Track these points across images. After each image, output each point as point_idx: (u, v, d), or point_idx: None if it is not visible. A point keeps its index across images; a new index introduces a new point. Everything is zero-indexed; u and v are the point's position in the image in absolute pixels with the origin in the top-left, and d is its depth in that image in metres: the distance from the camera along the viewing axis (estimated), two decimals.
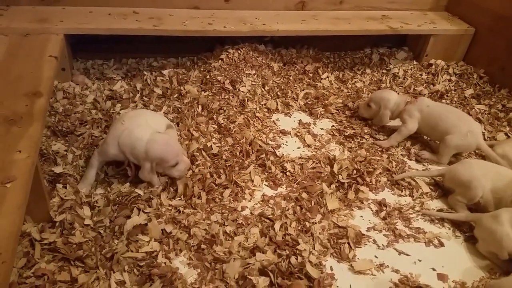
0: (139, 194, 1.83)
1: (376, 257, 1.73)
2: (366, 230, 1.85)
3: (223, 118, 2.41)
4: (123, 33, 2.52)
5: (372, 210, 1.96)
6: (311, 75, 2.99)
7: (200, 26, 2.64)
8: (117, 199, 1.82)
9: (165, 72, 2.76)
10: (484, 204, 1.92)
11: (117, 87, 2.60)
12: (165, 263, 1.59)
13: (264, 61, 2.91)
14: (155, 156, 1.80)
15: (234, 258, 1.62)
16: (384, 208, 1.96)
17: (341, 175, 2.09)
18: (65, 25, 2.41)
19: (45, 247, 1.56)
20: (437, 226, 1.91)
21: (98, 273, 1.50)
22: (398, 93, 2.62)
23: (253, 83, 2.73)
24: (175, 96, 2.57)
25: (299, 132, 2.45)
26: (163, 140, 1.84)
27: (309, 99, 2.75)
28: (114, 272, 1.52)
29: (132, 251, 1.60)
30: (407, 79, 3.03)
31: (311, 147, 2.35)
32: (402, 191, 2.09)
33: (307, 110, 2.67)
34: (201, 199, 1.88)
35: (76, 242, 1.57)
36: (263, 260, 1.61)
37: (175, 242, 1.68)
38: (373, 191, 2.07)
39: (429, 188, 2.12)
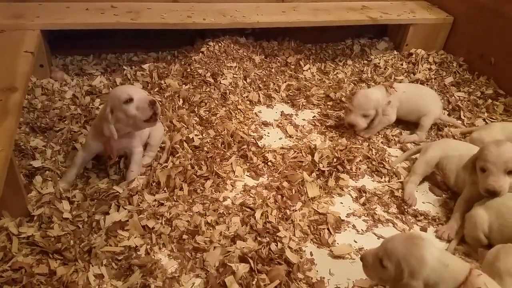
0: (118, 192, 1.80)
1: (355, 241, 1.75)
2: (346, 216, 1.87)
3: (205, 110, 2.41)
4: (100, 28, 2.50)
5: (352, 197, 1.98)
6: (293, 67, 3.01)
7: (179, 19, 2.63)
8: (95, 194, 1.80)
9: (145, 66, 2.75)
10: (448, 175, 2.00)
11: (97, 82, 2.58)
12: (145, 254, 1.59)
13: (245, 54, 2.91)
14: (110, 98, 1.75)
15: (214, 247, 1.62)
16: (364, 195, 1.98)
17: (321, 163, 2.10)
18: (42, 20, 2.39)
19: (23, 241, 1.55)
20: (419, 211, 1.93)
21: (77, 266, 1.50)
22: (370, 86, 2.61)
23: (235, 75, 2.73)
24: (155, 90, 2.56)
25: (281, 123, 2.46)
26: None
27: (291, 91, 2.76)
28: (92, 266, 1.52)
29: (110, 245, 1.59)
30: (388, 69, 3.06)
31: (292, 137, 2.36)
32: (381, 178, 2.11)
33: (289, 101, 2.68)
34: (183, 191, 1.88)
35: (54, 235, 1.56)
36: (243, 247, 1.62)
37: (158, 236, 1.67)
38: (353, 178, 2.09)
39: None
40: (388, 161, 2.20)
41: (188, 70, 2.71)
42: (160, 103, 2.43)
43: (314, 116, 2.56)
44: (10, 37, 2.22)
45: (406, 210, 1.91)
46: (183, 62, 2.80)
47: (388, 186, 2.05)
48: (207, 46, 2.83)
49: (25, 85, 1.84)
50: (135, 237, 1.63)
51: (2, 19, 2.33)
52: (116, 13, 2.59)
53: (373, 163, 2.17)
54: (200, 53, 2.80)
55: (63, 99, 2.40)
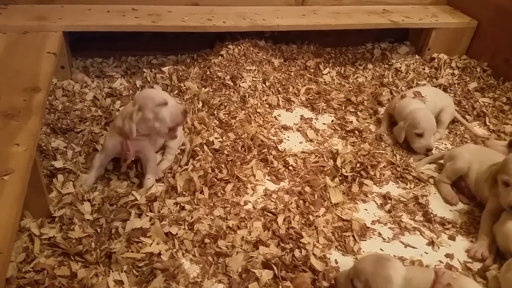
0: (136, 198, 1.76)
1: (381, 250, 1.69)
2: (371, 223, 1.82)
3: (224, 113, 2.38)
4: (121, 30, 2.51)
5: (377, 203, 1.93)
6: (312, 70, 2.97)
7: (199, 22, 2.62)
8: (114, 199, 1.77)
9: (165, 69, 2.75)
10: (469, 184, 1.98)
11: (117, 84, 2.58)
12: (169, 259, 1.55)
13: (264, 57, 2.89)
14: (140, 97, 1.74)
15: (237, 252, 1.59)
16: (389, 201, 1.93)
17: (344, 168, 2.06)
18: (64, 22, 2.39)
19: (45, 242, 1.53)
20: (447, 219, 1.88)
21: (97, 269, 1.47)
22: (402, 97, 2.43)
23: (254, 79, 2.71)
24: (175, 92, 2.55)
25: (301, 127, 2.43)
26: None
27: (310, 95, 2.72)
28: (112, 272, 1.48)
29: (132, 252, 1.55)
30: (410, 73, 3.00)
31: (313, 141, 2.32)
32: (406, 184, 2.05)
33: (309, 105, 2.65)
34: (203, 194, 1.85)
35: (75, 237, 1.54)
36: (266, 253, 1.58)
37: (180, 243, 1.63)
38: (378, 184, 2.04)
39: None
40: (413, 167, 2.15)
41: (208, 73, 2.69)
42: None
43: (333, 121, 2.52)
44: (33, 38, 2.23)
45: (433, 218, 1.85)
46: (202, 65, 2.79)
47: (413, 193, 2.00)
48: (227, 49, 2.82)
49: (48, 86, 1.84)
50: (157, 244, 1.59)
51: (25, 21, 2.34)
52: (137, 16, 2.59)
53: (398, 169, 2.12)
54: (220, 56, 2.78)
55: (84, 100, 2.40)
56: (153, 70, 2.76)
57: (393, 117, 2.43)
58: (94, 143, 2.06)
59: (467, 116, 2.61)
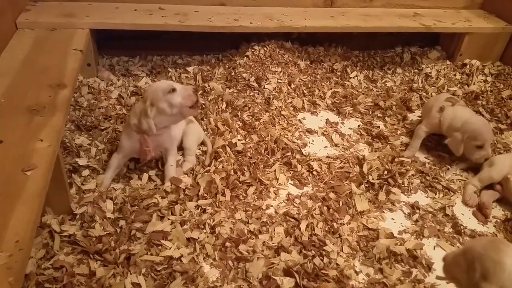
0: (158, 201, 1.73)
1: None
2: (398, 233, 1.74)
3: (248, 115, 2.34)
4: (148, 29, 2.50)
5: (404, 213, 1.86)
6: (339, 73, 2.90)
7: (226, 22, 2.59)
8: (136, 201, 1.73)
9: (190, 69, 2.73)
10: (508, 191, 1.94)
11: (142, 83, 2.58)
12: (188, 262, 1.52)
13: (290, 59, 2.84)
14: (149, 92, 1.75)
15: (257, 257, 1.54)
16: (417, 211, 1.85)
17: (371, 175, 1.99)
18: (91, 20, 2.40)
19: (65, 239, 1.52)
20: (477, 232, 1.79)
21: (116, 270, 1.45)
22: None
23: (279, 80, 2.66)
24: (199, 93, 2.52)
25: (326, 131, 2.37)
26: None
27: (337, 98, 2.66)
28: (131, 274, 1.45)
29: (151, 255, 1.52)
30: (440, 79, 2.91)
31: (338, 146, 2.26)
32: (436, 194, 1.97)
33: (334, 109, 2.58)
34: (225, 196, 1.81)
35: (96, 235, 1.53)
36: (288, 260, 1.53)
37: (201, 247, 1.59)
38: (406, 193, 1.96)
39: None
40: (443, 175, 2.07)
41: (232, 73, 2.66)
42: (204, 106, 2.39)
43: (359, 126, 2.45)
44: (60, 35, 2.24)
45: (463, 231, 1.77)
46: (227, 66, 2.76)
47: (441, 204, 1.92)
48: (252, 50, 2.78)
49: (74, 82, 1.84)
50: (178, 248, 1.55)
51: (53, 18, 2.36)
52: (164, 15, 2.58)
53: (427, 178, 2.04)
54: (245, 57, 2.75)
55: (109, 98, 2.40)
56: (178, 69, 2.74)
57: (432, 135, 2.28)
58: (118, 141, 2.04)
59: (500, 125, 2.50)
